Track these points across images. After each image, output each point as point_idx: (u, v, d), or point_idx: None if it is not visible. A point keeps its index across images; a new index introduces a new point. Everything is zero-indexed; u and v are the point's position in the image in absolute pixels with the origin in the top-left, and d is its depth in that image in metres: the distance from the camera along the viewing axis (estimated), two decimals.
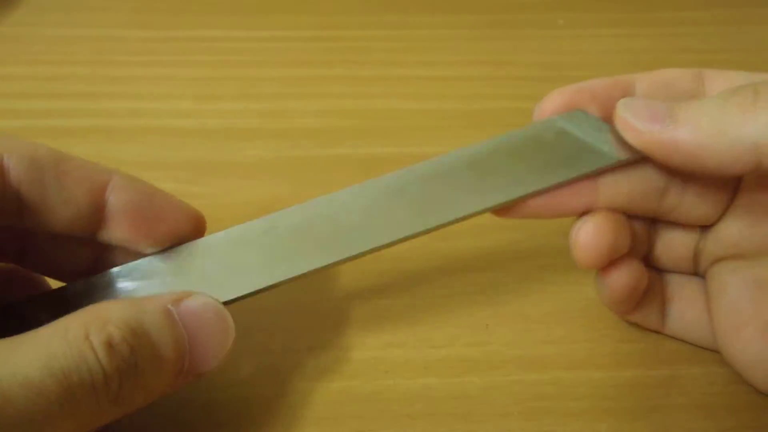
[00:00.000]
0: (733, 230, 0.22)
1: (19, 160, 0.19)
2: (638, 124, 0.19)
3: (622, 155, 0.21)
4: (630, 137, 0.20)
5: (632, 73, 0.23)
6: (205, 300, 0.19)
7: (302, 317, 0.25)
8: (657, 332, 0.24)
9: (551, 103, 0.22)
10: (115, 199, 0.20)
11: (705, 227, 0.23)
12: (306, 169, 0.31)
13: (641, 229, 0.23)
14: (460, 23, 0.42)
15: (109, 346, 0.16)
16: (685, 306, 0.23)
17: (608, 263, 0.22)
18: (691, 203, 0.22)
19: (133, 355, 0.17)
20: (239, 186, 0.30)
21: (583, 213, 0.22)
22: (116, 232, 0.20)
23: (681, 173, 0.21)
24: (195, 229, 0.21)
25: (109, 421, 0.17)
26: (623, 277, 0.22)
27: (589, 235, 0.21)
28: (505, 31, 0.41)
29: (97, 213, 0.20)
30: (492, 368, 0.23)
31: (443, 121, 0.34)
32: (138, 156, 0.32)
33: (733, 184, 0.22)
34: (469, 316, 0.25)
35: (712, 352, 0.23)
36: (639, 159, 0.21)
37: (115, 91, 0.36)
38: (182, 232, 0.21)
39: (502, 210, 0.21)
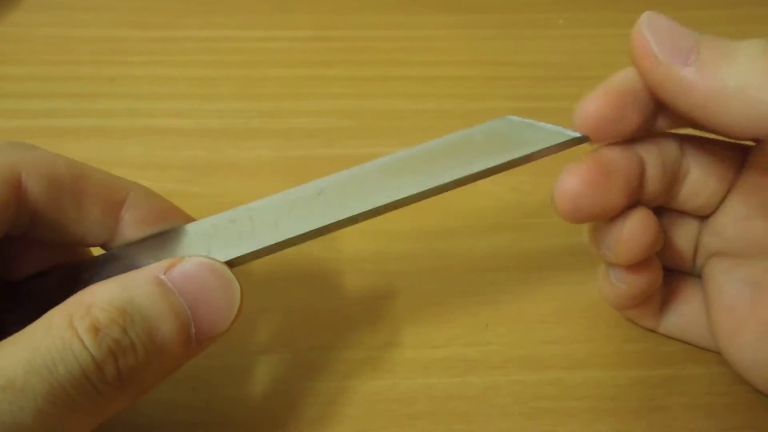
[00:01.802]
0: (727, 221, 0.22)
1: (38, 179, 0.18)
2: (658, 52, 0.18)
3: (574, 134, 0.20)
4: (644, 65, 0.18)
5: None
6: (199, 260, 0.18)
7: (302, 317, 0.25)
8: (652, 331, 0.24)
9: (593, 107, 0.19)
10: (130, 217, 0.20)
11: (703, 221, 0.23)
12: (306, 169, 0.31)
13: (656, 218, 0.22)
14: (460, 23, 0.42)
15: (95, 329, 0.16)
16: (683, 305, 0.23)
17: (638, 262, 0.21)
18: (691, 191, 0.21)
19: (127, 334, 0.16)
20: (239, 186, 0.30)
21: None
22: None
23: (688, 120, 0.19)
24: None
25: (126, 404, 0.17)
26: (647, 274, 0.21)
27: (637, 229, 0.20)
28: (505, 31, 0.41)
29: (112, 228, 0.20)
30: (492, 368, 0.23)
31: (443, 121, 0.34)
32: (138, 156, 0.32)
33: (730, 175, 0.21)
34: (469, 316, 0.25)
35: (712, 353, 0.23)
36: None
37: (115, 91, 0.36)
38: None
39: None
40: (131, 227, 0.20)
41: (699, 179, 0.21)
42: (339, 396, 0.23)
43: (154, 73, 0.37)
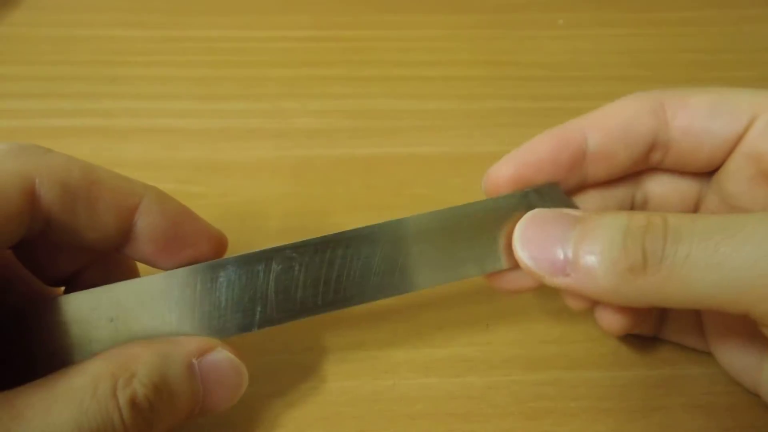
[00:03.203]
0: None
1: (51, 186, 0.18)
2: (539, 270, 0.19)
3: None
4: (535, 277, 0.20)
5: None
6: (226, 356, 0.20)
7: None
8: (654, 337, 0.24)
9: (497, 178, 0.21)
10: (142, 223, 0.20)
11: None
12: (306, 169, 0.31)
13: None
14: (460, 23, 0.42)
15: (134, 404, 0.17)
16: (680, 313, 0.23)
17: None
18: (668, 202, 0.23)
19: (152, 411, 0.18)
20: (239, 186, 0.30)
21: None
22: (140, 252, 0.20)
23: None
24: (216, 251, 0.21)
25: None
26: (621, 320, 0.21)
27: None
28: (505, 31, 0.41)
29: (125, 234, 0.20)
30: (492, 368, 0.23)
31: (443, 121, 0.34)
32: (138, 156, 0.32)
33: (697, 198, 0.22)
34: (469, 316, 0.25)
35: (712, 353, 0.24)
36: None
37: (114, 91, 0.36)
38: (205, 255, 0.21)
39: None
40: (145, 233, 0.20)
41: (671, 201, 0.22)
42: (339, 396, 0.23)
43: (154, 73, 0.37)
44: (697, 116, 0.20)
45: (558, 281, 0.19)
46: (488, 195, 0.21)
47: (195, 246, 0.21)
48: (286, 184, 0.31)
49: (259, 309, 0.20)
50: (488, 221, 0.21)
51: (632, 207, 0.23)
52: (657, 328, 0.24)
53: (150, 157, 0.32)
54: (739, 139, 0.20)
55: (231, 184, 0.31)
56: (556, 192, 0.21)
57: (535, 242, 0.19)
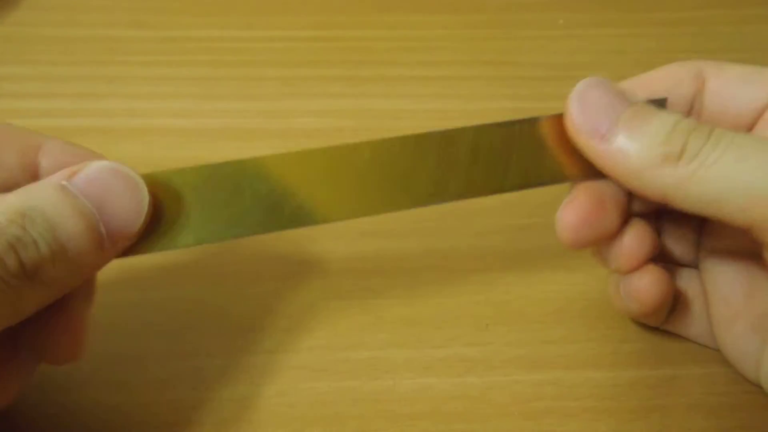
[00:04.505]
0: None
1: None
2: (580, 125, 0.20)
3: None
4: (570, 130, 0.20)
5: (635, 75, 0.23)
6: (101, 164, 0.19)
7: (302, 317, 0.25)
8: (652, 330, 0.24)
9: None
10: (47, 162, 0.20)
11: (703, 219, 0.23)
12: None
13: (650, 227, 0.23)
14: (460, 23, 0.42)
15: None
16: (684, 301, 0.24)
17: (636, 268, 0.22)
18: None
19: (27, 232, 0.17)
20: None
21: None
22: None
23: None
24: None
25: (44, 300, 0.18)
26: (655, 290, 0.22)
27: (635, 241, 0.22)
28: (505, 31, 0.41)
29: (31, 176, 0.20)
30: (492, 368, 0.23)
31: (443, 121, 0.34)
32: (138, 156, 0.32)
33: None
34: (469, 316, 0.25)
35: (712, 352, 0.24)
36: None
37: (114, 91, 0.36)
38: None
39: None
40: (51, 172, 0.20)
41: None
42: (339, 396, 0.23)
43: (154, 73, 0.37)
44: (729, 82, 0.21)
45: (593, 144, 0.20)
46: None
47: None
48: None
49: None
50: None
51: None
52: (662, 319, 0.24)
53: (150, 157, 0.32)
54: (766, 107, 0.21)
55: None
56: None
57: (590, 101, 0.20)
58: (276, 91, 0.36)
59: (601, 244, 0.22)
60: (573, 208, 0.21)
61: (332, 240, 0.28)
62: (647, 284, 0.21)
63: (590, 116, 0.20)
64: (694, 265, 0.24)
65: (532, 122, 0.21)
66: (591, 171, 0.21)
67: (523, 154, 0.21)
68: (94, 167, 0.19)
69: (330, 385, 0.23)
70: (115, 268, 0.26)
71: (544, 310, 0.25)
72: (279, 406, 0.22)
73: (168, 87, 0.36)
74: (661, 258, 0.24)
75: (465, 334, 0.25)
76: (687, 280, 0.24)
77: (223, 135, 0.33)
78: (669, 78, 0.22)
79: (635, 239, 0.22)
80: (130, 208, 0.19)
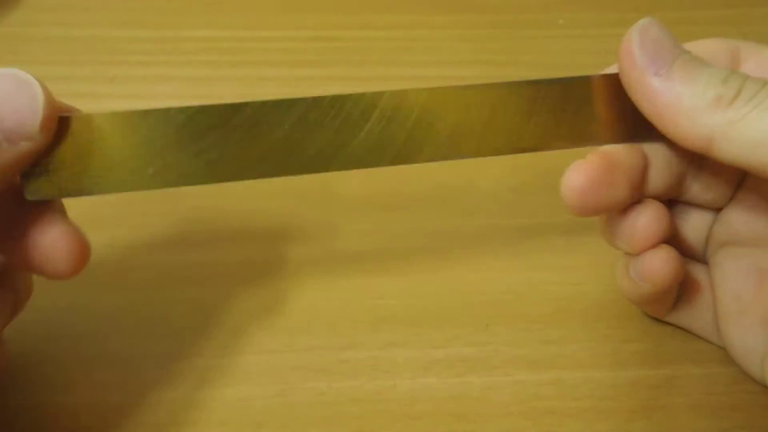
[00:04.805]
0: (737, 214, 0.22)
1: None
2: (638, 56, 0.20)
3: None
4: (623, 63, 0.20)
5: None
6: None
7: (302, 317, 0.25)
8: (655, 328, 0.24)
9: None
10: None
11: (714, 213, 0.23)
12: None
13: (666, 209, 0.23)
14: (460, 23, 0.42)
15: None
16: (691, 293, 0.24)
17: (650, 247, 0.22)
18: (701, 187, 0.22)
19: None
20: (239, 186, 0.30)
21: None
22: None
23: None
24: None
25: None
26: (668, 267, 0.21)
27: (651, 221, 0.21)
28: (505, 31, 0.41)
29: None
30: (492, 368, 0.23)
31: None
32: None
33: (739, 174, 0.22)
34: (469, 316, 0.25)
35: (712, 352, 0.24)
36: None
37: (115, 91, 0.36)
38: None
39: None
40: None
41: (709, 178, 0.22)
42: (339, 396, 0.23)
43: (154, 73, 0.37)
44: (766, 62, 0.21)
45: (647, 80, 0.19)
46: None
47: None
48: (286, 183, 0.31)
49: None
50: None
51: None
52: (667, 310, 0.24)
53: None
54: None
55: (231, 184, 0.31)
56: None
57: (650, 37, 0.20)
58: (276, 91, 0.36)
59: (609, 217, 0.22)
60: (581, 170, 0.21)
61: (333, 240, 0.28)
62: (661, 262, 0.21)
63: (649, 51, 0.20)
64: (702, 260, 0.24)
65: (584, 79, 0.21)
66: (629, 133, 0.21)
67: (574, 112, 0.21)
68: None
69: (330, 385, 0.23)
70: (115, 268, 0.26)
71: (544, 310, 0.25)
72: (279, 406, 0.22)
73: (168, 87, 0.36)
74: None
75: (465, 334, 0.25)
76: (695, 273, 0.24)
77: None
78: (705, 51, 0.22)
79: (651, 218, 0.21)
80: (23, 106, 0.19)
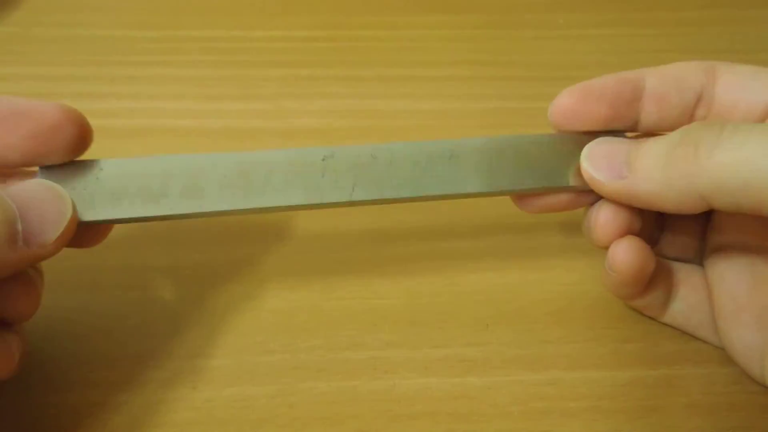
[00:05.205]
0: (730, 216, 0.23)
1: None
2: (599, 176, 0.21)
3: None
4: (594, 188, 0.22)
5: (641, 68, 0.23)
6: (34, 180, 0.20)
7: (302, 317, 0.25)
8: (655, 327, 0.24)
9: (561, 106, 0.23)
10: None
11: (708, 216, 0.23)
12: None
13: (649, 214, 0.23)
14: (459, 23, 0.42)
15: None
16: (689, 293, 0.24)
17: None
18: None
19: None
20: None
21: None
22: None
23: None
24: (62, 117, 0.22)
25: None
26: (630, 256, 0.22)
27: (608, 216, 0.22)
28: (505, 31, 0.41)
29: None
30: (492, 368, 0.23)
31: (443, 121, 0.34)
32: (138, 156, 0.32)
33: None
34: (469, 316, 0.25)
35: (711, 352, 0.24)
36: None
37: (115, 91, 0.36)
38: (48, 122, 0.21)
39: (519, 199, 0.24)
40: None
41: None
42: (339, 396, 0.23)
43: (154, 73, 0.37)
44: (741, 77, 0.22)
45: (615, 184, 0.21)
46: (553, 122, 0.23)
47: (35, 116, 0.20)
48: None
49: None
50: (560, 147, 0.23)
51: None
52: (663, 310, 0.24)
53: None
54: None
55: None
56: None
57: (599, 155, 0.22)
58: (276, 91, 0.36)
59: (584, 214, 0.23)
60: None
61: (333, 239, 0.28)
62: (623, 252, 0.22)
63: (602, 164, 0.21)
64: (698, 262, 0.24)
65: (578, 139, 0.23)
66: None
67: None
68: (26, 180, 0.20)
69: (330, 385, 0.23)
70: (115, 268, 0.26)
71: (544, 310, 0.25)
72: (279, 406, 0.22)
73: (168, 87, 0.36)
74: (664, 254, 0.24)
75: (465, 334, 0.25)
76: (689, 274, 0.24)
77: (224, 135, 0.33)
78: (679, 67, 0.23)
79: (609, 212, 0.22)
80: (51, 217, 0.19)
